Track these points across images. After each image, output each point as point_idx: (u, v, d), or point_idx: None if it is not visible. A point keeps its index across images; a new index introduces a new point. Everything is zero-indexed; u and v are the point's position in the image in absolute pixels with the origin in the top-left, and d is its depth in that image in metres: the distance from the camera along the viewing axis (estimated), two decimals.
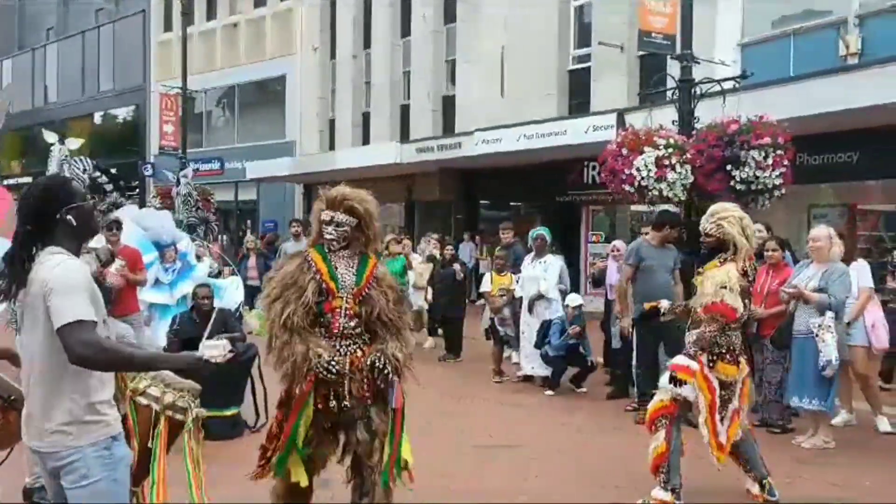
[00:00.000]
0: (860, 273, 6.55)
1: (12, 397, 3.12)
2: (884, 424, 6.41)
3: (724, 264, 4.49)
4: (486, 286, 9.04)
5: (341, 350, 3.78)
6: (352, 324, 3.82)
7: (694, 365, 4.52)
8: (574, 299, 8.31)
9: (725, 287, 4.38)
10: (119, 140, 29.07)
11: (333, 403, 3.75)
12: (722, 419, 4.55)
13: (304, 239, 11.40)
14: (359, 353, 3.82)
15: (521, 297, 8.71)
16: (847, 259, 6.47)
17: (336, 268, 3.85)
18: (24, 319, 2.65)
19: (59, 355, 2.53)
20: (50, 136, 9.75)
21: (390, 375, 3.77)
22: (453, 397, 7.88)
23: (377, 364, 3.75)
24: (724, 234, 4.53)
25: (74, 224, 2.67)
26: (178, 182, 13.92)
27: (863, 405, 6.66)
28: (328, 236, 3.88)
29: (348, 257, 3.90)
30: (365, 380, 3.78)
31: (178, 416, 3.21)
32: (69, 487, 2.58)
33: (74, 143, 11.11)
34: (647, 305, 5.78)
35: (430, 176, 17.65)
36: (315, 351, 3.66)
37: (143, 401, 3.13)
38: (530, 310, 8.40)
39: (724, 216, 4.58)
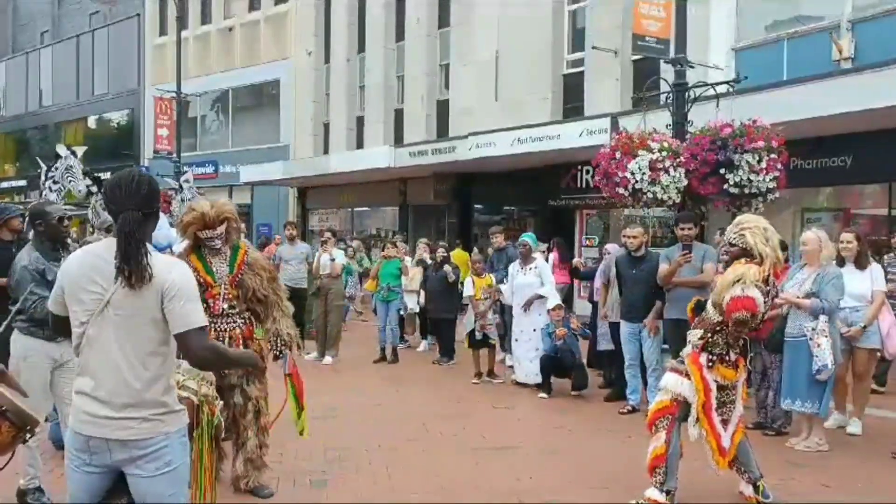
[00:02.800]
0: (874, 276, 6.49)
1: (3, 408, 3.11)
2: (854, 426, 6.43)
3: (749, 263, 4.47)
4: (468, 290, 9.07)
5: (221, 326, 4.65)
6: (227, 305, 4.69)
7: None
8: (552, 302, 8.30)
9: (742, 280, 4.35)
10: (113, 144, 29.02)
11: None
12: (725, 423, 4.53)
13: (299, 242, 11.40)
14: (237, 330, 4.70)
15: (509, 305, 8.77)
16: (863, 262, 6.47)
17: (211, 263, 4.72)
18: (111, 312, 2.57)
19: (165, 347, 2.62)
20: (61, 150, 9.81)
21: (286, 351, 4.71)
22: (447, 400, 7.88)
23: (275, 352, 4.71)
24: (746, 243, 4.51)
25: (154, 221, 2.74)
26: (181, 188, 13.73)
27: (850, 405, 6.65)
28: (215, 245, 4.71)
29: (222, 252, 4.76)
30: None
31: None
32: (149, 475, 2.59)
33: (79, 150, 11.14)
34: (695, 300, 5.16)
35: (423, 180, 17.67)
36: None
37: (182, 393, 3.18)
38: (525, 309, 8.40)
39: (747, 226, 4.56)
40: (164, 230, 9.51)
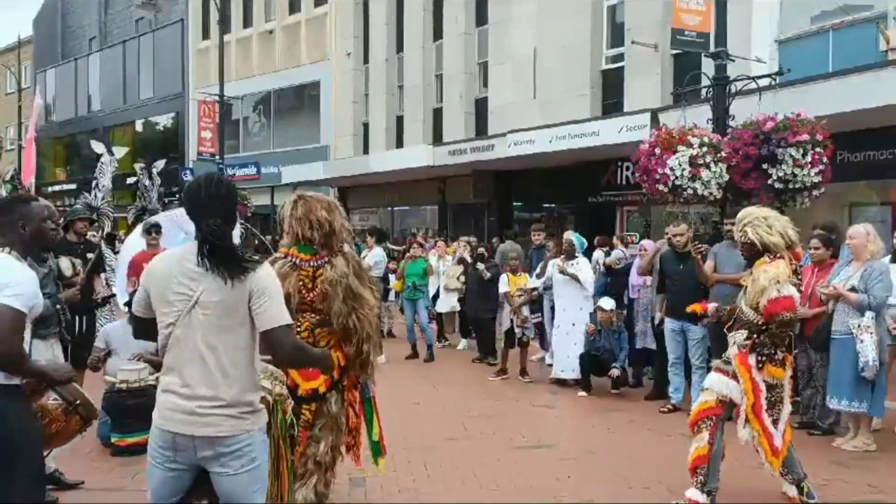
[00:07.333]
0: None
1: (77, 402, 3.22)
2: None
3: (775, 260, 4.43)
4: (504, 287, 9.05)
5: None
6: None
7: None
8: (605, 302, 8.24)
9: (779, 281, 4.31)
10: (160, 146, 29.65)
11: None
12: (775, 422, 4.47)
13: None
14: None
15: (547, 300, 8.77)
16: None
17: None
18: (199, 312, 2.61)
19: (251, 347, 2.68)
20: (98, 147, 9.96)
21: None
22: (486, 398, 7.89)
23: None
24: (749, 239, 4.47)
25: (233, 222, 2.78)
26: None
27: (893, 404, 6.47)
28: None
29: None
30: None
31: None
32: (234, 473, 2.63)
33: (119, 151, 11.35)
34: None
35: (463, 178, 17.69)
36: None
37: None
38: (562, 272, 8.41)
39: (747, 221, 4.53)
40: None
